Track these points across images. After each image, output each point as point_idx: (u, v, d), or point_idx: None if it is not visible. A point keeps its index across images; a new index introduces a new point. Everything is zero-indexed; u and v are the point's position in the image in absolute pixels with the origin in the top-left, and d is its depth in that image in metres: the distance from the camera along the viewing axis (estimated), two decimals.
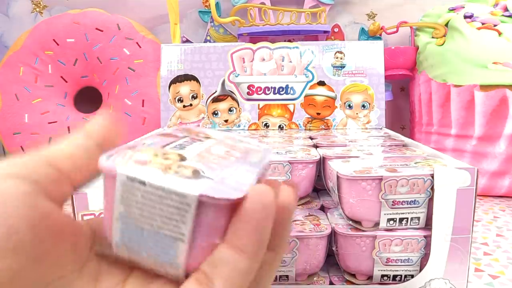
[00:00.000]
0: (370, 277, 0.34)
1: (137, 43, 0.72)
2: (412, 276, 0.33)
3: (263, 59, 0.59)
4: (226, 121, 0.59)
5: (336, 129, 0.58)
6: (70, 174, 0.16)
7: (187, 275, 0.15)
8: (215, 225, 0.14)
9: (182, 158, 0.15)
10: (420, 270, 0.33)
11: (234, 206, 0.14)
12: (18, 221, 0.13)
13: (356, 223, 0.33)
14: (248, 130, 0.58)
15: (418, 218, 0.32)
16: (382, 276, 0.33)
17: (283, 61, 0.59)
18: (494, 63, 0.58)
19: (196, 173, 0.14)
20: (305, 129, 0.59)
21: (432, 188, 0.31)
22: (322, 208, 0.39)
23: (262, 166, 0.18)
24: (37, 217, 0.13)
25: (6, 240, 0.12)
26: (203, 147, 0.18)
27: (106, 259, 0.17)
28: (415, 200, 0.32)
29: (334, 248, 0.34)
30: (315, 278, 0.35)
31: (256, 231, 0.14)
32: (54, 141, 0.17)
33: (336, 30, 0.80)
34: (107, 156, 0.15)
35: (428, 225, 0.32)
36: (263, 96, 0.59)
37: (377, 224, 0.32)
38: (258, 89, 0.59)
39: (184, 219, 0.14)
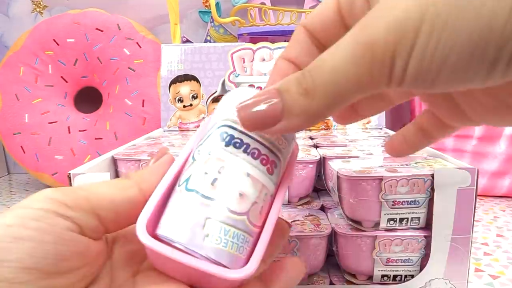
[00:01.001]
0: (370, 277, 0.34)
1: (137, 43, 0.72)
2: (412, 276, 0.33)
3: (263, 59, 0.59)
4: None
5: (336, 129, 0.58)
6: (108, 225, 0.17)
7: None
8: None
9: None
10: (420, 270, 0.33)
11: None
12: (68, 251, 0.15)
13: (356, 223, 0.33)
14: None
15: (418, 218, 0.32)
16: (382, 276, 0.33)
17: None
18: None
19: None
20: (305, 129, 0.59)
21: (432, 188, 0.31)
22: (322, 208, 0.39)
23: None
24: (82, 250, 0.16)
25: (57, 265, 0.15)
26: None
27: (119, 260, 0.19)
28: (415, 200, 0.31)
29: (334, 248, 0.34)
30: (315, 278, 0.35)
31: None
32: (104, 184, 0.18)
33: None
34: (144, 227, 0.17)
35: (428, 225, 0.32)
36: None
37: (377, 224, 0.32)
38: (259, 89, 0.59)
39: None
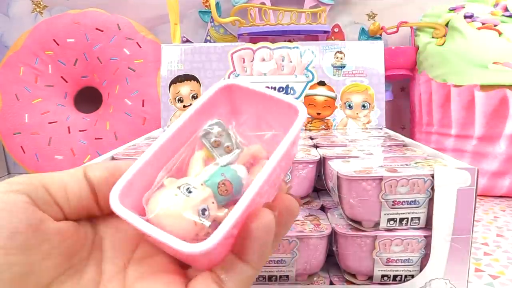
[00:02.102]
0: (370, 277, 0.34)
1: (137, 43, 0.72)
2: (412, 276, 0.33)
3: (263, 59, 0.59)
4: None
5: (336, 129, 0.58)
6: (59, 201, 0.18)
7: None
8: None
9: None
10: (420, 270, 0.33)
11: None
12: (21, 223, 0.16)
13: (356, 223, 0.33)
14: None
15: (418, 218, 0.32)
16: (382, 276, 0.33)
17: (283, 61, 0.59)
18: (494, 63, 0.58)
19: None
20: (305, 129, 0.59)
21: (432, 188, 0.31)
22: (322, 208, 0.39)
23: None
24: (36, 221, 0.16)
25: (12, 239, 0.15)
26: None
27: (110, 246, 0.19)
28: (415, 200, 0.31)
29: (334, 248, 0.34)
30: (315, 278, 0.35)
31: (259, 248, 0.17)
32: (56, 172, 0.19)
33: (336, 30, 0.80)
34: (118, 196, 0.17)
35: (428, 225, 0.32)
36: None
37: (377, 224, 0.32)
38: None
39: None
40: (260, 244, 0.17)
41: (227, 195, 0.18)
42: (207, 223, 0.17)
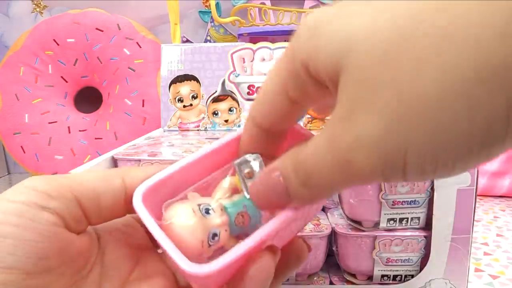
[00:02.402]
0: (370, 277, 0.34)
1: (137, 43, 0.72)
2: (412, 276, 0.33)
3: (263, 59, 0.59)
4: (226, 121, 0.59)
5: None
6: (90, 217, 0.17)
7: None
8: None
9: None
10: (420, 270, 0.33)
11: None
12: (50, 249, 0.15)
13: (356, 223, 0.33)
14: None
15: (418, 218, 0.32)
16: (382, 276, 0.33)
17: None
18: None
19: None
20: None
21: (432, 188, 0.31)
22: (322, 208, 0.39)
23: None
24: (64, 245, 0.15)
25: (37, 265, 0.14)
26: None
27: (110, 261, 0.18)
28: (415, 200, 0.31)
29: (334, 248, 0.34)
30: (315, 278, 0.35)
31: None
32: (87, 174, 0.18)
33: None
34: (142, 195, 0.17)
35: (428, 225, 0.32)
36: None
37: (377, 224, 0.32)
38: (259, 89, 0.59)
39: None
40: (255, 287, 0.17)
41: (242, 227, 0.18)
42: (213, 247, 0.17)
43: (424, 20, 0.11)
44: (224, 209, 0.18)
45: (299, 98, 0.16)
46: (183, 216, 0.17)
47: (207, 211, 0.17)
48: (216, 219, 0.17)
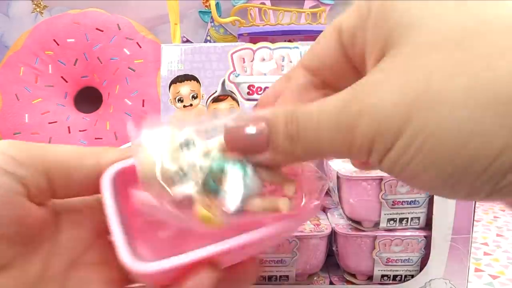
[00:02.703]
0: (370, 277, 0.34)
1: (137, 43, 0.72)
2: (412, 276, 0.33)
3: (263, 59, 0.59)
4: None
5: None
6: (56, 191, 0.17)
7: None
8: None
9: None
10: (420, 270, 0.33)
11: None
12: (4, 217, 0.15)
13: (356, 223, 0.33)
14: None
15: (418, 218, 0.32)
16: (382, 276, 0.33)
17: (283, 61, 0.59)
18: None
19: None
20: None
21: None
22: (322, 208, 0.39)
23: None
24: (21, 215, 0.15)
25: None
26: None
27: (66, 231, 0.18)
28: (415, 200, 0.32)
29: (334, 248, 0.35)
30: (315, 278, 0.35)
31: None
32: (63, 147, 0.17)
33: None
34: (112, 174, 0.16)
35: (428, 225, 0.32)
36: None
37: (377, 224, 0.32)
38: (259, 89, 0.59)
39: None
40: None
41: (220, 187, 0.15)
42: (179, 193, 0.15)
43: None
44: (208, 155, 0.16)
45: (349, 47, 0.16)
46: (158, 138, 0.15)
47: (187, 144, 0.15)
48: (193, 158, 0.15)
